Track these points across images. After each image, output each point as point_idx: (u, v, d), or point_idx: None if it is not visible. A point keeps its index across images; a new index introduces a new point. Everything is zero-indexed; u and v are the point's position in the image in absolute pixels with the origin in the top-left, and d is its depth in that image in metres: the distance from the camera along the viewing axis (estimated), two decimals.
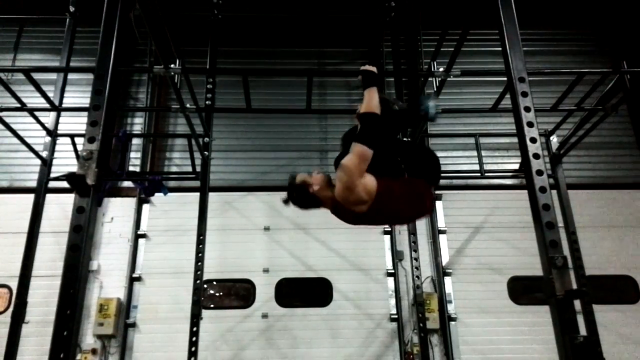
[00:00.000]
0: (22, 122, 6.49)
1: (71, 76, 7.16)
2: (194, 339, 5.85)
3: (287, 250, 7.64)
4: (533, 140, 2.82)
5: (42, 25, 8.60)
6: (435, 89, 5.38)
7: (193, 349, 5.82)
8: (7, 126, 5.76)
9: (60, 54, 6.65)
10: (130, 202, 7.75)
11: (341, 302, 7.43)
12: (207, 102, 6.44)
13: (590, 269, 6.63)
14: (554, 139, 6.88)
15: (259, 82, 7.64)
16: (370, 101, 2.86)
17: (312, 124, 8.56)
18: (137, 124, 8.45)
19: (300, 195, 2.96)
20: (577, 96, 5.90)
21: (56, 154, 6.28)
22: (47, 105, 5.77)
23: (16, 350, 5.57)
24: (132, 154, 7.48)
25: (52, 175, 6.15)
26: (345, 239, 7.70)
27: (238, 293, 7.55)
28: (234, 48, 8.68)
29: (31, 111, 5.87)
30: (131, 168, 7.20)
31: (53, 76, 6.57)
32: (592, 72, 6.04)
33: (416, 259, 6.79)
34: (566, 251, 2.83)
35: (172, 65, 4.77)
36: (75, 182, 2.65)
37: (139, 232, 7.62)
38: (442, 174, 8.12)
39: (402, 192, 2.87)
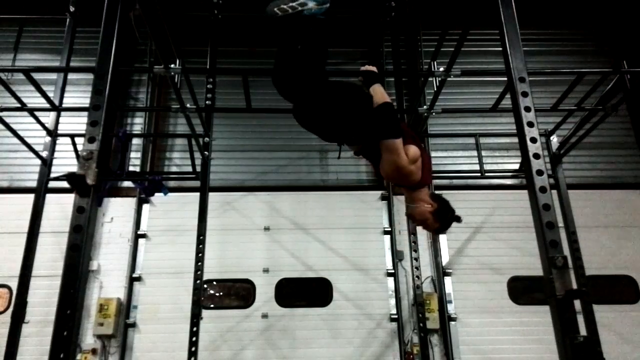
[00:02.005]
0: (22, 122, 6.48)
1: (71, 76, 7.17)
2: (194, 339, 5.86)
3: (287, 250, 7.64)
4: (533, 140, 2.82)
5: (42, 25, 8.59)
6: (435, 89, 5.39)
7: (193, 349, 5.83)
8: (7, 126, 5.75)
9: (60, 54, 6.64)
10: (130, 202, 7.75)
11: (341, 302, 7.43)
12: (207, 102, 6.44)
13: (590, 269, 6.62)
14: (554, 139, 6.88)
15: (259, 82, 7.62)
16: (379, 94, 2.91)
17: None
18: (137, 124, 8.44)
19: (446, 217, 3.02)
20: (577, 96, 5.90)
21: (56, 154, 6.27)
22: (47, 105, 5.77)
23: (16, 350, 5.57)
24: (132, 154, 7.47)
25: (52, 175, 6.14)
26: (345, 239, 7.71)
27: (238, 293, 7.55)
28: (234, 48, 8.68)
29: (31, 111, 5.86)
30: (131, 168, 7.20)
31: (53, 76, 6.56)
32: (592, 72, 6.03)
33: (416, 259, 6.80)
34: (566, 251, 2.83)
35: (172, 65, 4.77)
36: (75, 182, 2.65)
37: (139, 232, 7.62)
38: (443, 174, 8.18)
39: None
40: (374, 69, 3.11)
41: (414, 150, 2.81)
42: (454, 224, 3.17)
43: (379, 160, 2.90)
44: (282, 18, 2.87)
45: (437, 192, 7.80)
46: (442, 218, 2.97)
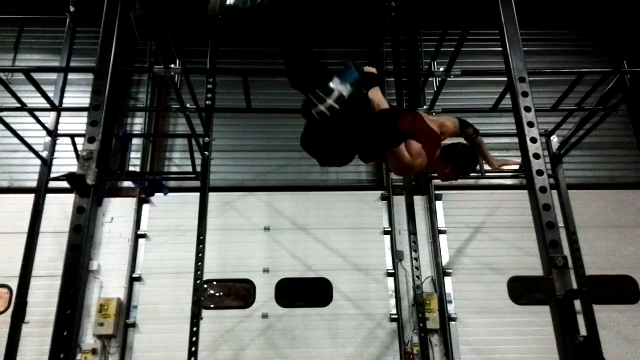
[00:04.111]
0: (22, 122, 6.48)
1: (71, 76, 7.16)
2: (194, 339, 5.86)
3: (287, 250, 7.64)
4: (533, 140, 2.82)
5: (42, 25, 8.60)
6: (435, 89, 5.38)
7: (193, 349, 5.83)
8: (7, 126, 5.75)
9: (60, 54, 6.64)
10: (130, 202, 7.75)
11: (341, 302, 7.43)
12: (207, 102, 6.44)
13: (590, 269, 6.62)
14: (554, 139, 6.88)
15: (259, 82, 7.63)
16: (377, 100, 2.93)
17: None
18: (137, 124, 8.45)
19: (465, 162, 3.13)
20: (577, 96, 5.90)
21: (56, 154, 6.27)
22: (47, 105, 5.77)
23: (16, 350, 5.57)
24: (132, 154, 7.48)
25: (52, 175, 6.14)
26: (345, 239, 7.71)
27: (238, 293, 7.55)
28: (234, 48, 8.69)
29: (31, 111, 5.86)
30: (131, 168, 7.20)
31: (53, 76, 6.56)
32: (592, 72, 6.05)
33: (416, 259, 6.79)
34: (566, 251, 2.83)
35: (172, 65, 4.77)
36: (75, 182, 2.65)
37: (139, 232, 7.62)
38: None
39: (412, 120, 3.05)
40: (374, 70, 3.10)
41: (415, 147, 2.88)
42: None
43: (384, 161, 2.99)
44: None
45: (437, 191, 7.89)
46: (463, 167, 3.13)
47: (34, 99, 5.90)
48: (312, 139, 2.98)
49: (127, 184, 7.73)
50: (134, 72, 8.97)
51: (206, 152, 6.75)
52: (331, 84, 2.67)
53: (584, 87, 5.72)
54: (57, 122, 6.30)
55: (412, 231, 6.89)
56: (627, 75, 5.52)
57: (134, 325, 7.17)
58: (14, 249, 6.32)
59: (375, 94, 2.96)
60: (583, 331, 2.82)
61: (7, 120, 5.79)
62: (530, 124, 2.86)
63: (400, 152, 2.83)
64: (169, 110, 8.26)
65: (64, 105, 6.23)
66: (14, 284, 6.01)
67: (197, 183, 6.78)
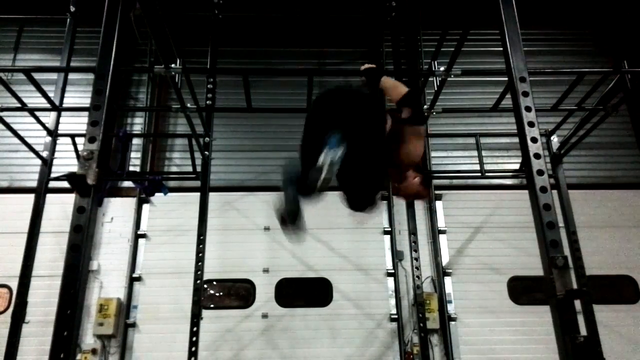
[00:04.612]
0: (22, 122, 6.48)
1: (71, 76, 7.16)
2: (194, 339, 5.86)
3: (287, 250, 7.63)
4: (534, 140, 2.83)
5: (42, 25, 8.60)
6: (435, 89, 5.39)
7: (193, 349, 5.83)
8: (8, 126, 5.76)
9: (60, 54, 6.66)
10: (130, 202, 7.75)
11: (341, 302, 7.43)
12: (207, 102, 6.44)
13: (590, 269, 6.63)
14: (555, 139, 6.89)
15: (259, 82, 7.63)
16: (393, 86, 2.93)
17: None
18: (137, 124, 8.44)
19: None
20: (577, 96, 5.91)
21: (56, 154, 6.29)
22: (47, 105, 5.78)
23: (16, 350, 5.58)
24: (132, 154, 7.46)
25: (53, 175, 6.16)
26: (345, 239, 7.70)
27: (238, 293, 7.55)
28: (234, 48, 8.68)
29: (31, 111, 5.87)
30: (131, 168, 7.20)
31: (53, 76, 6.56)
32: (593, 72, 6.05)
33: (416, 259, 6.80)
34: (566, 251, 2.83)
35: (172, 65, 4.78)
36: (75, 182, 2.65)
37: (139, 232, 7.61)
38: (443, 174, 8.15)
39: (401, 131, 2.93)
40: (373, 65, 3.11)
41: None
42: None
43: (395, 148, 2.84)
44: None
45: (437, 191, 7.89)
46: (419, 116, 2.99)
47: (34, 99, 5.90)
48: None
49: (127, 184, 7.72)
50: (134, 72, 8.96)
51: (206, 152, 6.75)
52: (319, 161, 2.59)
53: (584, 87, 5.72)
54: (57, 122, 6.32)
55: (412, 231, 6.89)
56: (627, 75, 5.52)
57: (134, 325, 7.16)
58: (14, 249, 6.33)
59: (387, 81, 2.96)
60: (583, 331, 2.82)
61: (8, 120, 5.80)
62: (531, 124, 2.87)
63: (423, 133, 2.88)
64: (169, 110, 8.25)
65: (64, 105, 6.24)
66: (14, 284, 6.02)
67: (197, 183, 6.78)
